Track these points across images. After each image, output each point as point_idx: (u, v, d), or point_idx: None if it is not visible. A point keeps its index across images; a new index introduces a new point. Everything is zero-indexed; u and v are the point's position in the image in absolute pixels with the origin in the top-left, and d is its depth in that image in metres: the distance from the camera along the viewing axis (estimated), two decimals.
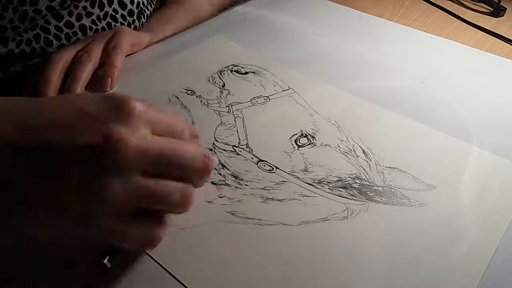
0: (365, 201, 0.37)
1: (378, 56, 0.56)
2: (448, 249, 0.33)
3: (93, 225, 0.27)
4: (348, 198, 0.37)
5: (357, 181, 0.38)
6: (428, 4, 0.69)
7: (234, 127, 0.44)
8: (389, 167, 0.40)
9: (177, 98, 0.47)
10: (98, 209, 0.26)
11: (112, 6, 0.56)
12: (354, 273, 0.32)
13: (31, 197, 0.26)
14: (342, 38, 0.59)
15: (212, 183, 0.38)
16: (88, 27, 0.54)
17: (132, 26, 0.60)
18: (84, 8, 0.54)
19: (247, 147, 0.42)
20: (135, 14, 0.59)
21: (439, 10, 0.68)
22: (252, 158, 0.40)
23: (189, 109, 0.46)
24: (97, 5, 0.55)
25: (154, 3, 0.65)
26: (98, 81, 0.48)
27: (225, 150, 0.41)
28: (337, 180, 0.38)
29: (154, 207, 0.29)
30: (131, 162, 0.26)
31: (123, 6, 0.58)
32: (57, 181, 0.26)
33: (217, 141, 0.42)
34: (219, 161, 0.40)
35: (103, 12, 0.56)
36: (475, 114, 0.47)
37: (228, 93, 0.49)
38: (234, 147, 0.42)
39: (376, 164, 0.40)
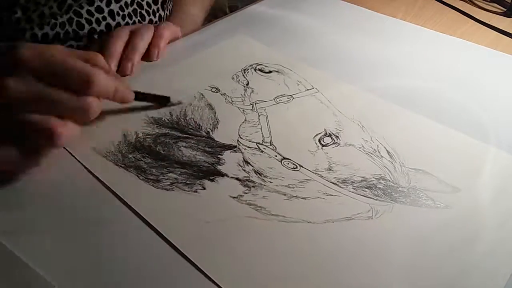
0: (389, 202, 0.36)
1: (394, 56, 0.56)
2: (471, 249, 0.33)
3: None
4: (373, 199, 0.37)
5: (381, 181, 0.38)
6: (441, 4, 0.69)
7: (258, 124, 0.44)
8: (414, 169, 0.39)
9: (202, 95, 0.48)
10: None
11: None
12: (378, 271, 0.31)
13: None
14: (358, 38, 0.59)
15: (237, 179, 0.38)
16: (115, 12, 0.57)
17: (157, 14, 0.61)
18: None
19: (271, 145, 0.42)
20: (159, 2, 0.61)
21: (452, 10, 0.68)
22: (276, 156, 0.41)
23: (213, 107, 0.46)
24: None
25: None
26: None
27: (249, 147, 0.41)
28: (362, 180, 0.38)
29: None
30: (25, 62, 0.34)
31: None
32: None
33: (241, 138, 0.42)
34: (243, 158, 0.40)
35: None
36: (491, 113, 0.47)
37: (252, 91, 0.49)
38: (258, 144, 0.42)
39: (401, 165, 0.40)
